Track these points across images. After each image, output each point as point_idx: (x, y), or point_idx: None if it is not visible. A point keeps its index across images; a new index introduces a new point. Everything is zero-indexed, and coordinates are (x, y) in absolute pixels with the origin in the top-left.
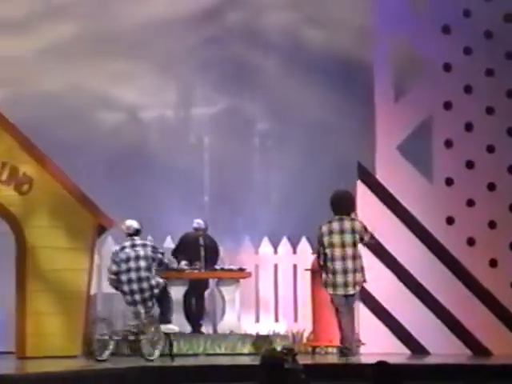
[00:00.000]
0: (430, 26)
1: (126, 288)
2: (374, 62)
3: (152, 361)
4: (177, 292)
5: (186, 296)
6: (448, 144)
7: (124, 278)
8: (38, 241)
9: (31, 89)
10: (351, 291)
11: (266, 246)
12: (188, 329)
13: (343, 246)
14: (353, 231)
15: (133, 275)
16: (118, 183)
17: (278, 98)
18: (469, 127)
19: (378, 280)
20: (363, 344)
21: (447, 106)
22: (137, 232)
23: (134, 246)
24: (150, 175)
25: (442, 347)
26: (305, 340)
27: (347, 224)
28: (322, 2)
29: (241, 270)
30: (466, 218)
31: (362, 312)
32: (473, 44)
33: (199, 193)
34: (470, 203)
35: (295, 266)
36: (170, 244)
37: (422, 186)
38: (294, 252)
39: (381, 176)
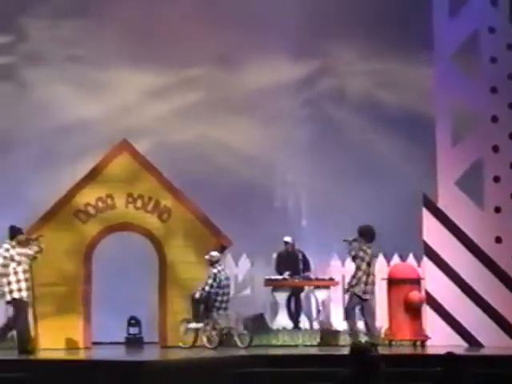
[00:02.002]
0: (481, 87)
1: (219, 298)
2: (435, 115)
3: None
4: (281, 297)
5: (288, 300)
6: (496, 179)
7: (221, 291)
8: (175, 257)
9: (169, 140)
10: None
11: (350, 260)
12: (290, 325)
13: (374, 265)
14: (375, 256)
15: (226, 290)
16: (234, 211)
17: (358, 145)
18: None
19: (440, 287)
20: (429, 338)
21: (495, 149)
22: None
23: (223, 270)
24: (258, 205)
25: (493, 340)
26: (383, 335)
27: (372, 249)
28: (393, 70)
29: (331, 279)
30: None
31: (428, 313)
32: None
33: (297, 218)
34: None
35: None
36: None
37: (475, 212)
38: None
39: (442, 205)
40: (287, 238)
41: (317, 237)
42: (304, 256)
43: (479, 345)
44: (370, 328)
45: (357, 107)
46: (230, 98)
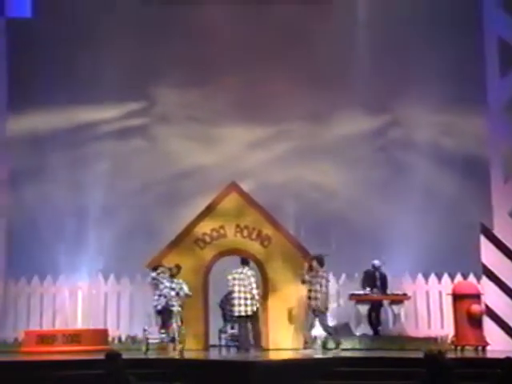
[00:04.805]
0: None
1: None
2: (489, 157)
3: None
4: (363, 309)
5: (369, 311)
6: None
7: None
8: (274, 276)
9: (269, 181)
10: None
11: (420, 279)
12: (371, 333)
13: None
14: None
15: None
16: (323, 238)
17: (423, 183)
18: None
19: (498, 301)
20: (489, 344)
21: None
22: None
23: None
24: (342, 233)
25: None
26: (449, 341)
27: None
28: (453, 121)
29: (404, 294)
30: None
31: (488, 322)
32: None
33: (375, 243)
34: None
35: (440, 292)
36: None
37: None
38: (439, 282)
39: (497, 232)
40: (376, 262)
41: (390, 259)
42: (382, 275)
43: None
44: (331, 333)
45: (422, 152)
46: (318, 145)
